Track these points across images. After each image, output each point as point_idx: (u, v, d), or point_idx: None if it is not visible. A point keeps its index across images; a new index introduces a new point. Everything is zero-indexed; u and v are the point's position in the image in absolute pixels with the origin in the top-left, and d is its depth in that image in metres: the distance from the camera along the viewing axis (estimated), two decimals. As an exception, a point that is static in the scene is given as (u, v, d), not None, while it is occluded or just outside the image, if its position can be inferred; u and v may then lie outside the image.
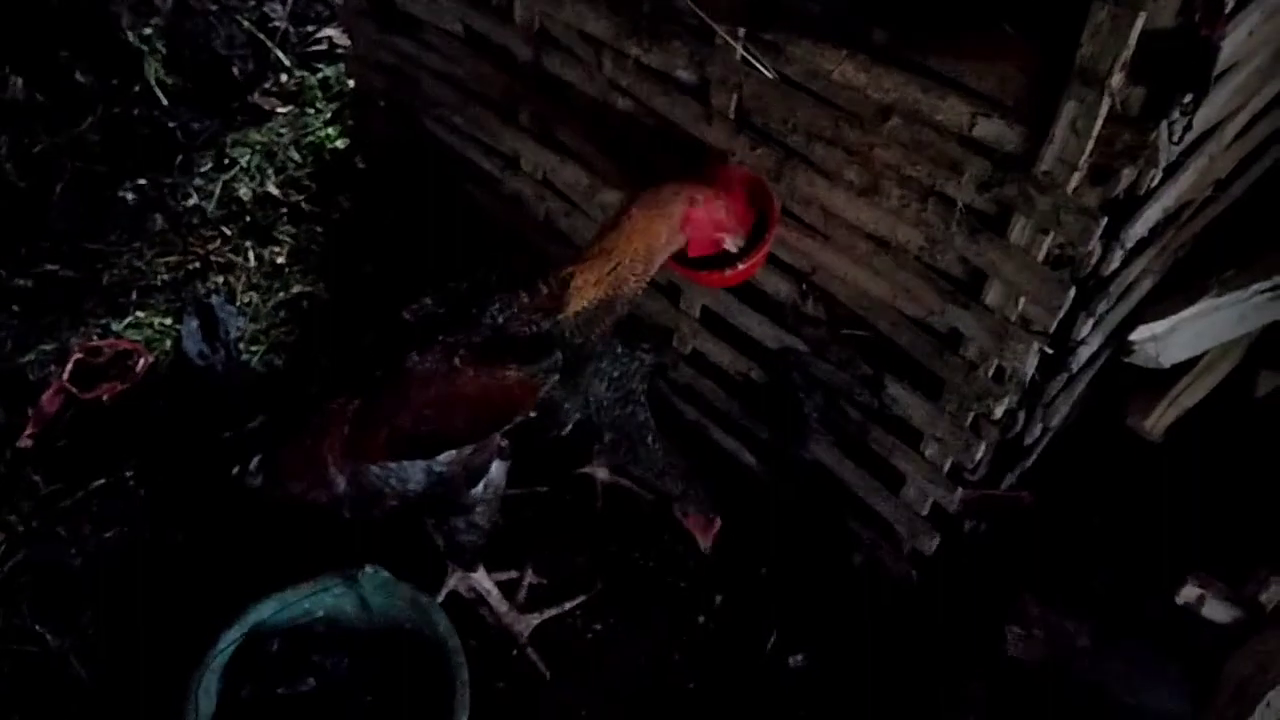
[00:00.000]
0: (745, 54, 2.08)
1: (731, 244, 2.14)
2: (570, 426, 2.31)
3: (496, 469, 2.25)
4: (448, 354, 2.07)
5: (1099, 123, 1.63)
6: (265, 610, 2.29)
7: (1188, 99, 1.58)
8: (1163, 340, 2.14)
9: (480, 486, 2.24)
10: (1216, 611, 2.03)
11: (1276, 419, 2.34)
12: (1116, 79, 1.57)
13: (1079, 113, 1.63)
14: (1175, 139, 1.62)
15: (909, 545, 2.45)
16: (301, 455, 2.14)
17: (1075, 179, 1.71)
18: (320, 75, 4.04)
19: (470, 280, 2.23)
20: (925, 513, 2.38)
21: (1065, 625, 2.17)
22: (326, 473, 2.11)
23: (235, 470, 2.18)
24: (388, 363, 2.10)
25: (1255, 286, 2.14)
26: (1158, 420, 2.26)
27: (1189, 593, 2.03)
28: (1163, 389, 2.27)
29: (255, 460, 2.17)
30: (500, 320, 2.11)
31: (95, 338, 3.19)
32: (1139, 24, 1.51)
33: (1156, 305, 2.16)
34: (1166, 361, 2.17)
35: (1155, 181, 1.74)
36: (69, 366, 3.01)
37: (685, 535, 2.66)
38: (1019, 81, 1.72)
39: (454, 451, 2.14)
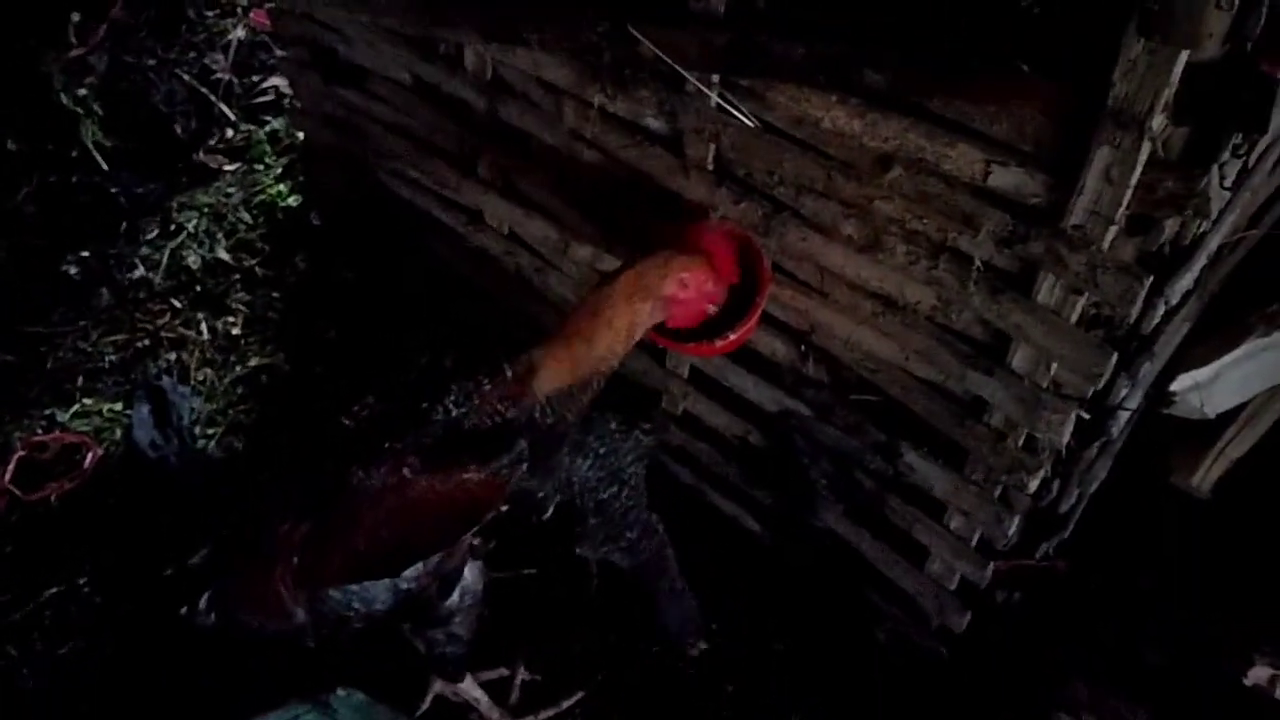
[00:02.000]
0: (721, 101, 1.86)
1: (715, 306, 1.94)
2: (551, 510, 2.10)
3: (471, 573, 2.04)
4: (397, 463, 1.84)
5: (1138, 170, 1.41)
6: (228, 749, 2.06)
7: (1240, 139, 1.36)
8: (1206, 388, 1.92)
9: (455, 596, 2.02)
10: (1291, 693, 1.83)
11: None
12: (1157, 120, 1.36)
13: (1114, 159, 1.42)
14: (1226, 183, 1.40)
15: (936, 621, 2.22)
16: (253, 590, 1.91)
17: (1111, 233, 1.49)
18: (268, 128, 3.81)
19: (421, 369, 2.01)
20: (953, 587, 2.16)
21: (1119, 709, 1.95)
22: (282, 605, 1.88)
23: (184, 610, 1.95)
24: (332, 479, 1.87)
25: (1304, 323, 1.94)
26: (1204, 476, 2.05)
27: (1259, 674, 1.82)
28: (1208, 441, 2.05)
29: (204, 599, 1.94)
30: (457, 414, 1.89)
31: (39, 431, 2.98)
32: (1182, 59, 1.30)
33: (1195, 350, 1.94)
34: (1212, 411, 1.96)
35: (1202, 229, 1.52)
36: (11, 465, 2.82)
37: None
38: (1039, 125, 1.51)
39: (419, 565, 1.92)
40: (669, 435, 2.61)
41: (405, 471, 1.83)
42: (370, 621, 1.95)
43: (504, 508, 1.90)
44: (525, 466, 1.87)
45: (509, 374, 1.89)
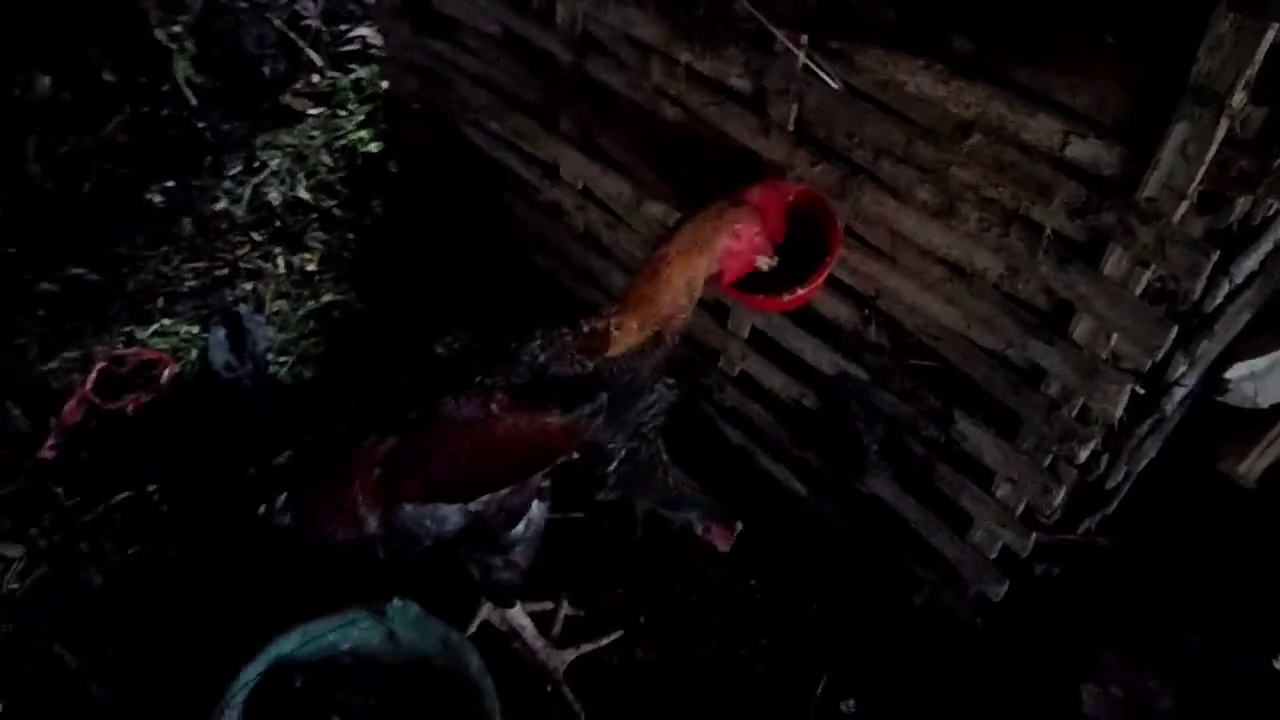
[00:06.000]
0: (808, 62, 1.92)
1: (764, 264, 2.01)
2: (616, 464, 2.19)
3: (536, 509, 2.13)
4: (485, 399, 1.94)
5: (1214, 147, 1.46)
6: (289, 644, 2.18)
7: (1318, 122, 1.41)
8: (1261, 379, 1.96)
9: (520, 527, 2.11)
10: (1320, 678, 1.87)
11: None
12: (1238, 98, 1.41)
13: (1191, 135, 1.47)
14: (1301, 165, 1.44)
15: (974, 590, 2.28)
16: (331, 496, 2.01)
17: (1183, 208, 1.54)
18: (353, 76, 3.93)
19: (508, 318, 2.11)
20: (994, 556, 2.21)
21: (1147, 684, 2.00)
22: (357, 514, 1.99)
23: (262, 510, 2.06)
24: (421, 404, 1.97)
25: (1363, 321, 1.97)
26: (1253, 465, 2.09)
27: (1290, 657, 1.86)
28: (1259, 431, 2.09)
29: (282, 499, 2.05)
30: (542, 359, 1.98)
31: (120, 346, 3.11)
32: (1269, 38, 1.34)
33: (1254, 340, 1.98)
34: (1265, 402, 2.00)
35: (1273, 210, 1.57)
36: (92, 376, 2.93)
37: (729, 567, 2.57)
38: (1120, 98, 1.56)
39: (490, 495, 2.02)
40: (723, 394, 2.68)
41: (493, 408, 1.93)
42: (438, 542, 2.05)
43: (575, 456, 2.00)
44: (602, 419, 1.96)
45: (585, 330, 1.98)
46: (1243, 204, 1.53)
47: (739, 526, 2.48)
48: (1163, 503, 2.21)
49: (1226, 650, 2.01)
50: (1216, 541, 2.15)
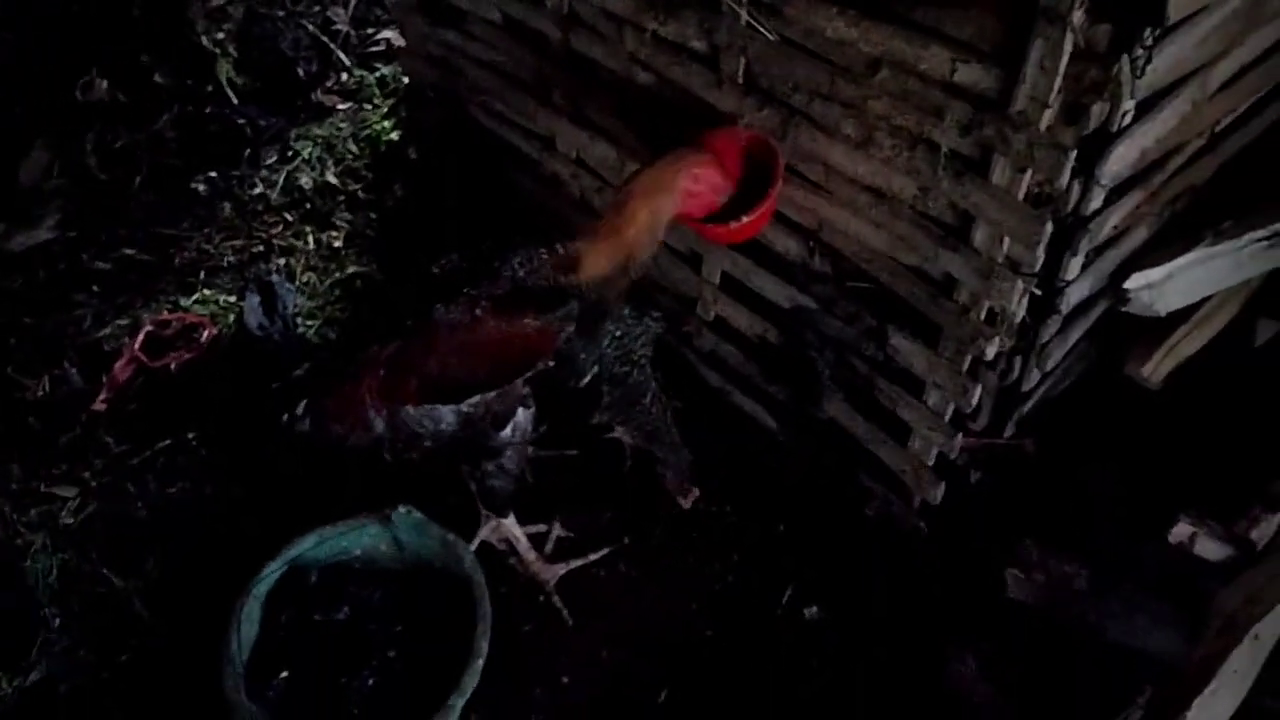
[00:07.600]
0: (749, 18, 2.20)
1: (724, 200, 2.27)
2: (588, 379, 2.45)
3: (522, 415, 2.39)
4: (471, 305, 2.24)
5: (1065, 60, 1.71)
6: (305, 544, 2.46)
7: (1148, 34, 1.66)
8: (1158, 288, 2.18)
9: (508, 430, 2.37)
10: (1208, 549, 2.07)
11: (1273, 366, 2.37)
12: (1077, 16, 1.66)
13: (1045, 51, 1.72)
14: (1138, 73, 1.69)
15: (918, 497, 2.52)
16: (343, 399, 2.31)
17: (1047, 116, 1.79)
18: (378, 74, 4.29)
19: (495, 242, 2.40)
20: (931, 462, 2.45)
21: (1064, 568, 2.21)
22: (366, 415, 2.28)
23: (285, 417, 2.36)
24: (418, 313, 2.27)
25: (1250, 235, 2.18)
26: (1156, 368, 2.30)
27: (1181, 530, 2.07)
28: (1161, 337, 2.31)
29: (301, 405, 2.35)
30: (521, 273, 2.28)
31: (166, 312, 3.42)
32: (1092, -37, 1.61)
33: (1153, 254, 2.22)
34: (1162, 309, 2.21)
35: (1127, 119, 1.82)
36: (140, 337, 3.24)
37: (708, 496, 2.83)
38: (995, 27, 1.81)
39: (479, 396, 2.29)
40: (701, 339, 2.95)
41: (478, 311, 2.23)
42: (437, 441, 2.32)
43: (551, 363, 2.28)
44: (573, 327, 2.24)
45: (560, 253, 2.28)
46: (1098, 111, 1.78)
47: (696, 493, 2.77)
48: (1080, 407, 2.44)
49: (1134, 536, 2.22)
50: (1127, 440, 2.37)
